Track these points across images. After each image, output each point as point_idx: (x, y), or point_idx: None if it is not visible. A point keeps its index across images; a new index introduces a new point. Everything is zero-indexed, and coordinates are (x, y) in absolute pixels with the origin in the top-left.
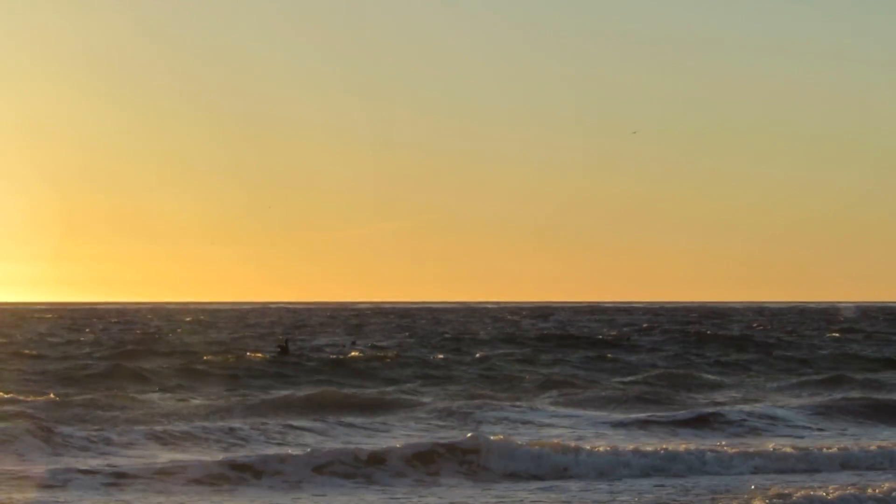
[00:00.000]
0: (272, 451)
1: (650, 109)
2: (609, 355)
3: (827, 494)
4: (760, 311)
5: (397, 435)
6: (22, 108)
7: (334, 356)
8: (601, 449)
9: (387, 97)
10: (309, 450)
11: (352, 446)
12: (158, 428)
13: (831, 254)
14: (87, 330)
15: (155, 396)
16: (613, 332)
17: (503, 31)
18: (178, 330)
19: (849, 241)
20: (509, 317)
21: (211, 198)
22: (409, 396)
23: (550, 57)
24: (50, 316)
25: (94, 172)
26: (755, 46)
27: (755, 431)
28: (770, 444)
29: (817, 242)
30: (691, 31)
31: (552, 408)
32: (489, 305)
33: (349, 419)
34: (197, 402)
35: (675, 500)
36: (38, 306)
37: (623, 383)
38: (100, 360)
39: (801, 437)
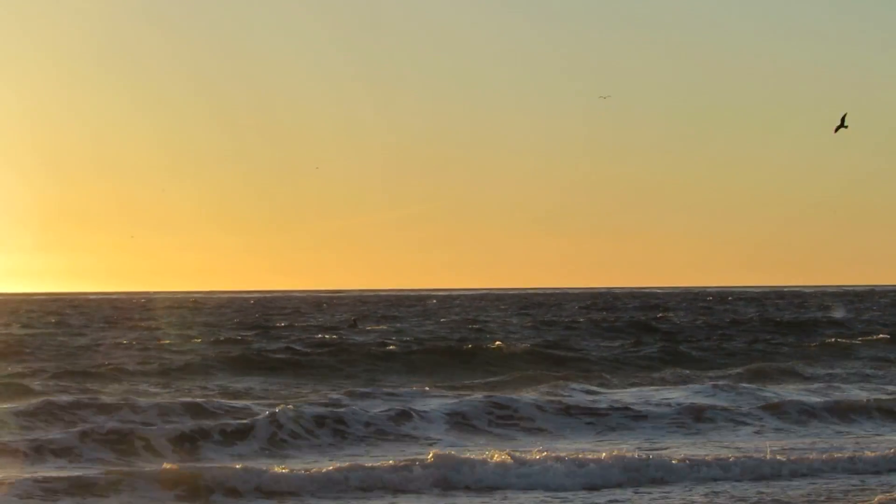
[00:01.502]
0: None
1: (660, 94)
2: (682, 342)
3: None
4: (781, 296)
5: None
6: (28, 97)
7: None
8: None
9: (394, 84)
10: None
11: None
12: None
13: (843, 237)
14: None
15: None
16: (659, 317)
17: (511, 18)
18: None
19: (861, 223)
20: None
21: (219, 186)
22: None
23: (559, 43)
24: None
25: (100, 161)
26: (762, 30)
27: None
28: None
29: (828, 225)
30: (698, 17)
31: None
32: (499, 292)
33: None
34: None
35: None
36: (45, 297)
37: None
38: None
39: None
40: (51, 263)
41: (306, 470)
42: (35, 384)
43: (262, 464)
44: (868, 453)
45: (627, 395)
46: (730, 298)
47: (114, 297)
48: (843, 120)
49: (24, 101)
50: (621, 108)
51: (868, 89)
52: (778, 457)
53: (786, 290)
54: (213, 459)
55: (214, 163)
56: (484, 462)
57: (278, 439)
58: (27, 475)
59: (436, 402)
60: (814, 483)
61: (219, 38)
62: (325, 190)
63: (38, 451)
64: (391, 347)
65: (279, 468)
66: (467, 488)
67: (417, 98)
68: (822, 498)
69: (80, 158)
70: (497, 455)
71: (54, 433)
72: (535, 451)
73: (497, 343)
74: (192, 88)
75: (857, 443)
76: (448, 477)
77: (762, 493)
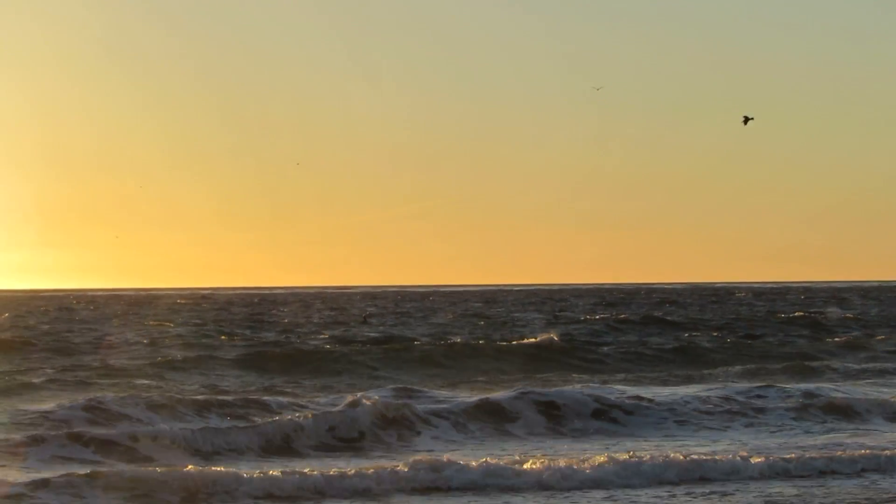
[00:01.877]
0: None
1: (665, 89)
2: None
3: None
4: (788, 290)
5: None
6: (34, 94)
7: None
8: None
9: (401, 80)
10: None
11: None
12: None
13: (854, 233)
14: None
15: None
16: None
17: (516, 11)
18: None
19: (873, 220)
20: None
21: (225, 183)
22: None
23: (566, 35)
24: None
25: (106, 158)
26: (782, 25)
27: None
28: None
29: (857, 222)
30: (715, 7)
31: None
32: (507, 288)
33: None
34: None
35: None
36: (51, 293)
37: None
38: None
39: None
40: (57, 260)
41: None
42: (52, 382)
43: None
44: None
45: (649, 392)
46: (737, 294)
47: (120, 293)
48: (746, 119)
49: (30, 98)
50: (631, 103)
51: (883, 85)
52: (812, 454)
53: (792, 285)
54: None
55: (221, 159)
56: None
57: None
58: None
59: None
60: (824, 483)
61: (224, 36)
62: (333, 186)
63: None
64: (413, 342)
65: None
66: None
67: (424, 94)
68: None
69: (86, 155)
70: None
71: (112, 430)
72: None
73: (529, 339)
74: (198, 86)
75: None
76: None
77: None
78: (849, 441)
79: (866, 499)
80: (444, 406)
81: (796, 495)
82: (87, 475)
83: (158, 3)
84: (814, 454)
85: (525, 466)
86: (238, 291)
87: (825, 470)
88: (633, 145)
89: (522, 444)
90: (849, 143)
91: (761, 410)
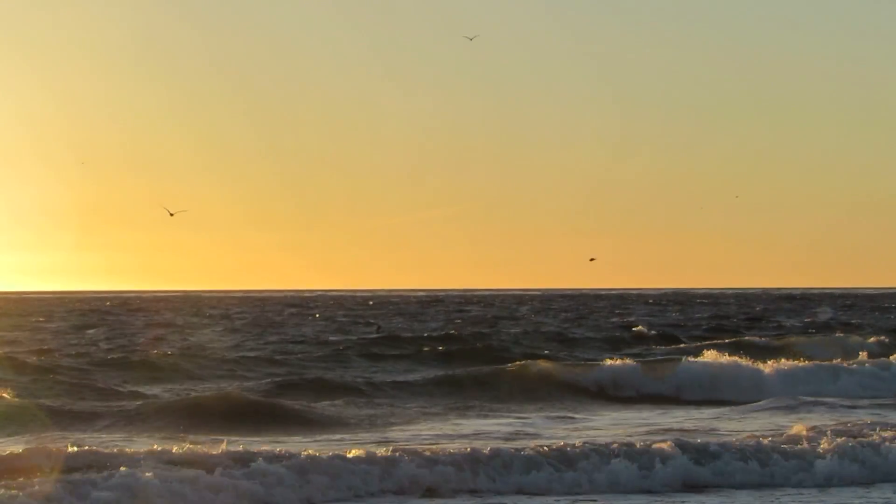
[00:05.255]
0: None
1: (696, 90)
2: None
3: None
4: (842, 296)
5: None
6: (65, 96)
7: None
8: None
9: (435, 83)
10: None
11: None
12: None
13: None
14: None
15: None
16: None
17: (548, 18)
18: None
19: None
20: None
21: (257, 186)
22: None
23: (593, 39)
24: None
25: (137, 160)
26: (812, 25)
27: None
28: None
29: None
30: (732, 15)
31: None
32: (538, 293)
33: None
34: None
35: None
36: (85, 295)
37: None
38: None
39: None
40: (87, 262)
41: None
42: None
43: None
44: None
45: None
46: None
47: (149, 295)
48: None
49: (62, 101)
50: (657, 107)
51: None
52: None
53: (821, 291)
54: None
55: (250, 161)
56: None
57: None
58: None
59: None
60: None
61: (255, 39)
62: (362, 188)
63: None
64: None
65: None
66: None
67: (454, 97)
68: None
69: (118, 157)
70: None
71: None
72: None
73: None
74: (230, 88)
75: None
76: None
77: None
78: None
79: None
80: None
81: None
82: None
83: (188, 5)
84: None
85: None
86: (271, 294)
87: None
88: (660, 148)
89: None
90: (879, 146)
91: None
